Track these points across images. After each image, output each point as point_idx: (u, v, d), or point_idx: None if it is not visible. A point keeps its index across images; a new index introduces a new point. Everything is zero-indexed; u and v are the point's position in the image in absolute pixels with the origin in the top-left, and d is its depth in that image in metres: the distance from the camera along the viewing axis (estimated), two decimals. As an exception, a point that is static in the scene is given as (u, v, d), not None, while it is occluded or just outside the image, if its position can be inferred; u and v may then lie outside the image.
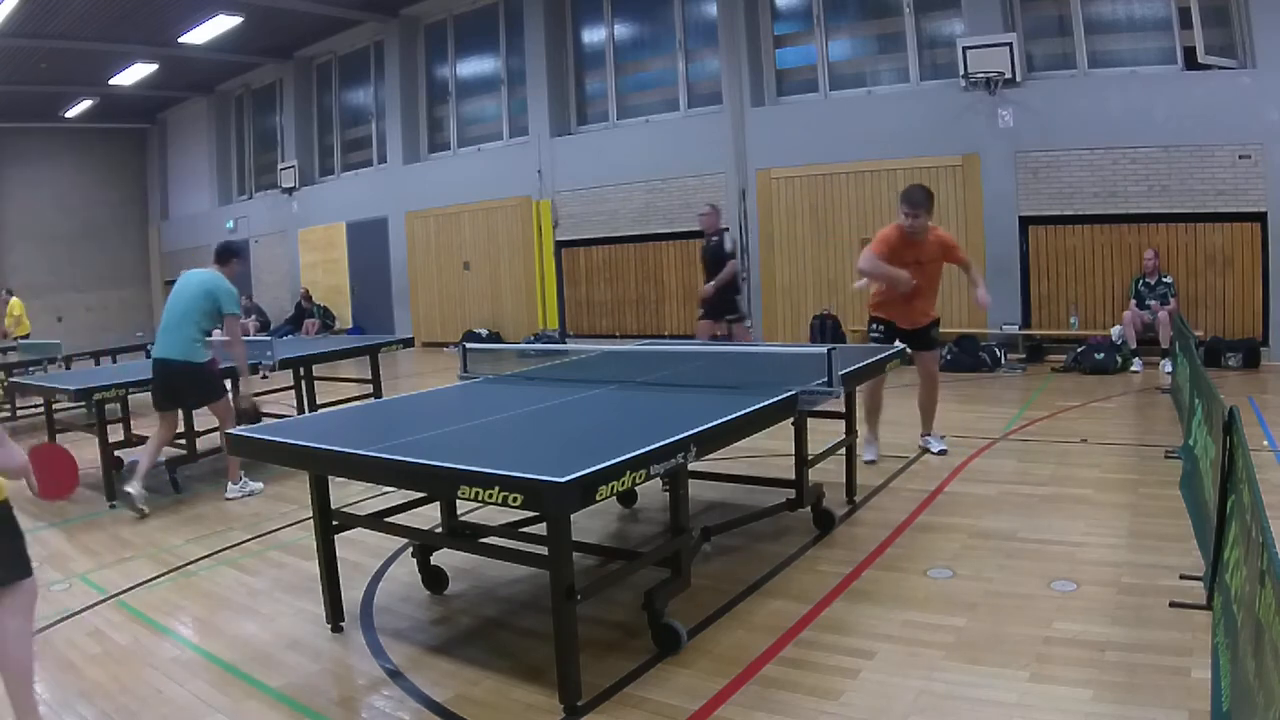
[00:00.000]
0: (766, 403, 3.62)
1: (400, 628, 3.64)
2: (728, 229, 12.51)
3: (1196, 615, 3.22)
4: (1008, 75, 10.21)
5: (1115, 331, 9.52)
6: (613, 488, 2.67)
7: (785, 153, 12.05)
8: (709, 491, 5.13)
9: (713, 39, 12.88)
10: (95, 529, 5.35)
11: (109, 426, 6.05)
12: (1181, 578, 3.54)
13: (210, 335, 5.76)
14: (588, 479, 2.57)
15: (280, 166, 18.60)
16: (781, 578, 3.95)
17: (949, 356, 9.68)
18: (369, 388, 7.80)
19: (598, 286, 14.17)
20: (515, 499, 2.57)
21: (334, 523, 3.65)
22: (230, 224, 19.88)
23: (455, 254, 15.90)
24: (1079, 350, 9.58)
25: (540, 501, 2.59)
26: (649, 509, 5.10)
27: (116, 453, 6.27)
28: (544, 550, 2.89)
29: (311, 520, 3.69)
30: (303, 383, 7.56)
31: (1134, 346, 9.40)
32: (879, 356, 4.95)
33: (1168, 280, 9.49)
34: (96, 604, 4.05)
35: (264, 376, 6.68)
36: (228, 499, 5.83)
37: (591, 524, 4.74)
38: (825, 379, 3.91)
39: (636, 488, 3.69)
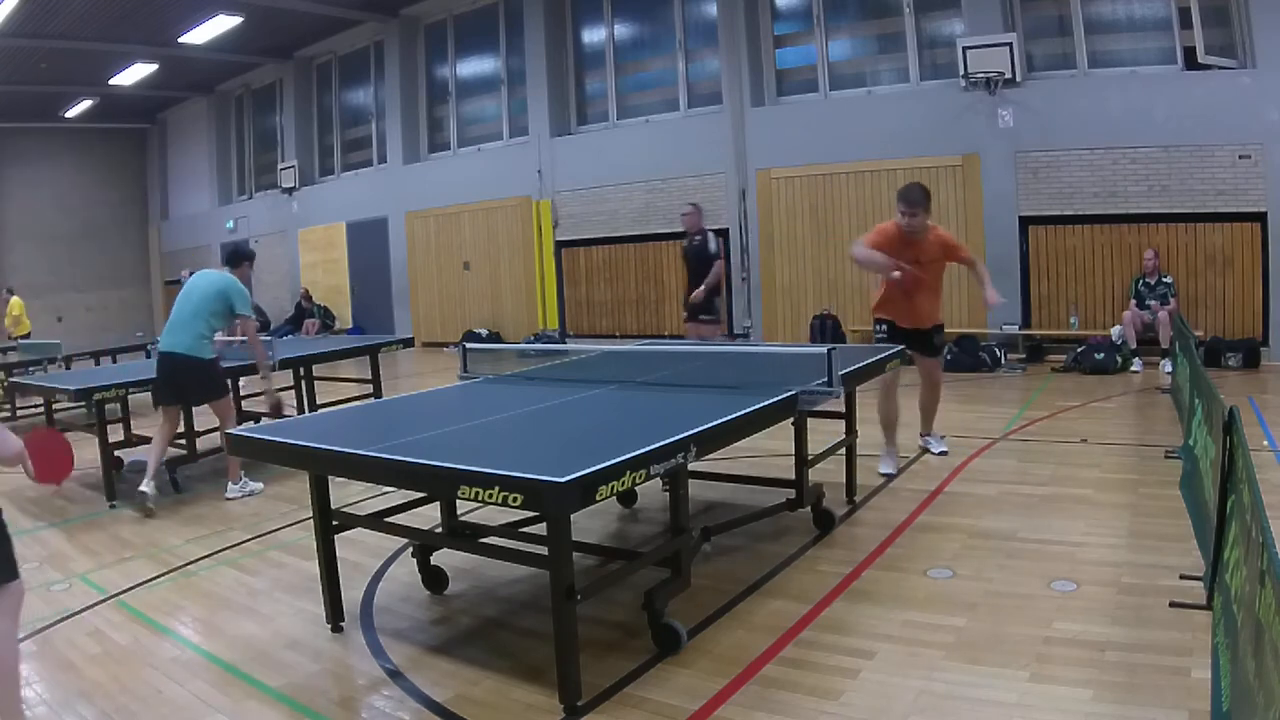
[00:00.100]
0: (766, 403, 3.62)
1: (400, 628, 3.64)
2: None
3: (1196, 615, 3.22)
4: (1008, 75, 10.22)
5: (1115, 331, 9.52)
6: (613, 488, 2.67)
7: (785, 153, 12.05)
8: (709, 491, 5.13)
9: (713, 39, 12.88)
10: (95, 529, 5.35)
11: (109, 426, 6.04)
12: (1181, 578, 3.54)
13: (216, 336, 5.81)
14: (588, 479, 2.57)
15: (280, 166, 18.60)
16: (781, 578, 3.95)
17: (949, 356, 9.67)
18: (369, 388, 7.80)
19: (598, 286, 14.17)
20: (515, 499, 2.57)
21: (334, 523, 3.65)
22: (230, 224, 19.89)
23: (455, 254, 15.90)
24: (1079, 350, 9.59)
25: (540, 501, 2.59)
26: (649, 509, 5.10)
27: (116, 453, 6.27)
28: (544, 550, 2.89)
29: (311, 520, 3.69)
30: (303, 383, 7.56)
31: (1134, 346, 9.40)
32: (878, 356, 4.95)
33: (1168, 280, 9.49)
34: (96, 604, 4.05)
35: (264, 377, 6.69)
36: (228, 499, 5.83)
37: (591, 524, 4.74)
38: (825, 379, 3.91)
39: (636, 488, 3.69)
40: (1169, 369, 8.50)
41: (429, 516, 4.17)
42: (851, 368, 4.41)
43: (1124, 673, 2.87)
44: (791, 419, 4.06)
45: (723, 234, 12.64)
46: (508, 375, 4.98)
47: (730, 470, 5.10)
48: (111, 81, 17.34)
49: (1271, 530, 2.19)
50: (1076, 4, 10.23)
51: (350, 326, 17.43)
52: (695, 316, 8.66)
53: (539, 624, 3.48)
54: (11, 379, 7.95)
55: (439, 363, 13.29)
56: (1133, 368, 9.29)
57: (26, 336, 13.66)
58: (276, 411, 6.16)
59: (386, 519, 3.84)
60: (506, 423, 3.73)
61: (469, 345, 5.16)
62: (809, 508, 4.49)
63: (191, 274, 6.22)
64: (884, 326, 5.78)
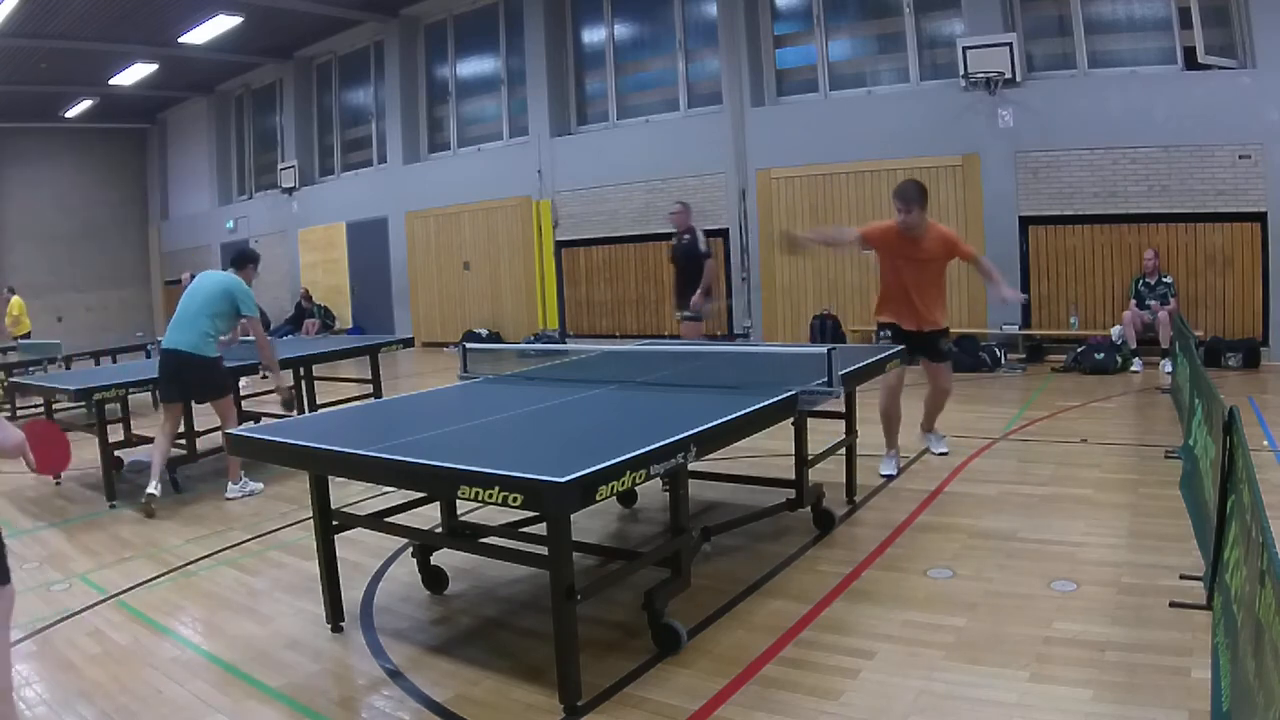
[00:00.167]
0: (766, 403, 3.61)
1: (400, 628, 3.64)
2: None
3: (1196, 615, 3.22)
4: (1008, 75, 10.21)
5: (1115, 331, 9.52)
6: (613, 488, 2.67)
7: (785, 153, 12.05)
8: (709, 491, 5.13)
9: (713, 39, 12.88)
10: (95, 529, 5.35)
11: (109, 426, 6.04)
12: (1181, 578, 3.54)
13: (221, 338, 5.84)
14: (588, 479, 2.57)
15: (280, 166, 18.60)
16: (781, 578, 3.95)
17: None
18: (369, 388, 7.80)
19: (598, 286, 14.17)
20: (515, 499, 2.57)
21: (334, 523, 3.65)
22: (230, 224, 19.89)
23: (455, 254, 15.90)
24: (1079, 350, 9.58)
25: (540, 501, 2.59)
26: (649, 509, 5.10)
27: (116, 453, 6.27)
28: (544, 550, 2.89)
29: (311, 520, 3.69)
30: (303, 383, 7.55)
31: (1134, 346, 9.40)
32: (878, 356, 4.95)
33: (1168, 280, 9.49)
34: (96, 604, 4.04)
35: (263, 376, 6.70)
36: (228, 499, 5.83)
37: (591, 524, 4.74)
38: (825, 379, 3.91)
39: (636, 488, 3.69)
40: (1169, 369, 8.50)
41: (429, 516, 4.17)
42: (851, 368, 4.40)
43: (1124, 673, 2.87)
44: (791, 419, 4.06)
45: (723, 234, 12.70)
46: (508, 375, 4.98)
47: (730, 470, 5.10)
48: (111, 81, 17.33)
49: (1271, 530, 2.19)
50: (1076, 4, 10.23)
51: (350, 326, 17.43)
52: (679, 309, 8.56)
53: (539, 624, 3.48)
54: (11, 379, 7.95)
55: (439, 363, 13.29)
56: (1133, 368, 9.29)
57: (27, 336, 13.66)
58: (290, 404, 6.34)
59: (386, 519, 3.84)
60: (506, 423, 3.73)
61: (469, 345, 5.16)
62: (809, 508, 4.49)
63: (193, 276, 6.25)
64: (887, 331, 5.58)
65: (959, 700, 2.80)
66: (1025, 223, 10.56)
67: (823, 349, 4.01)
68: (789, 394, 3.76)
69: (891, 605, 3.56)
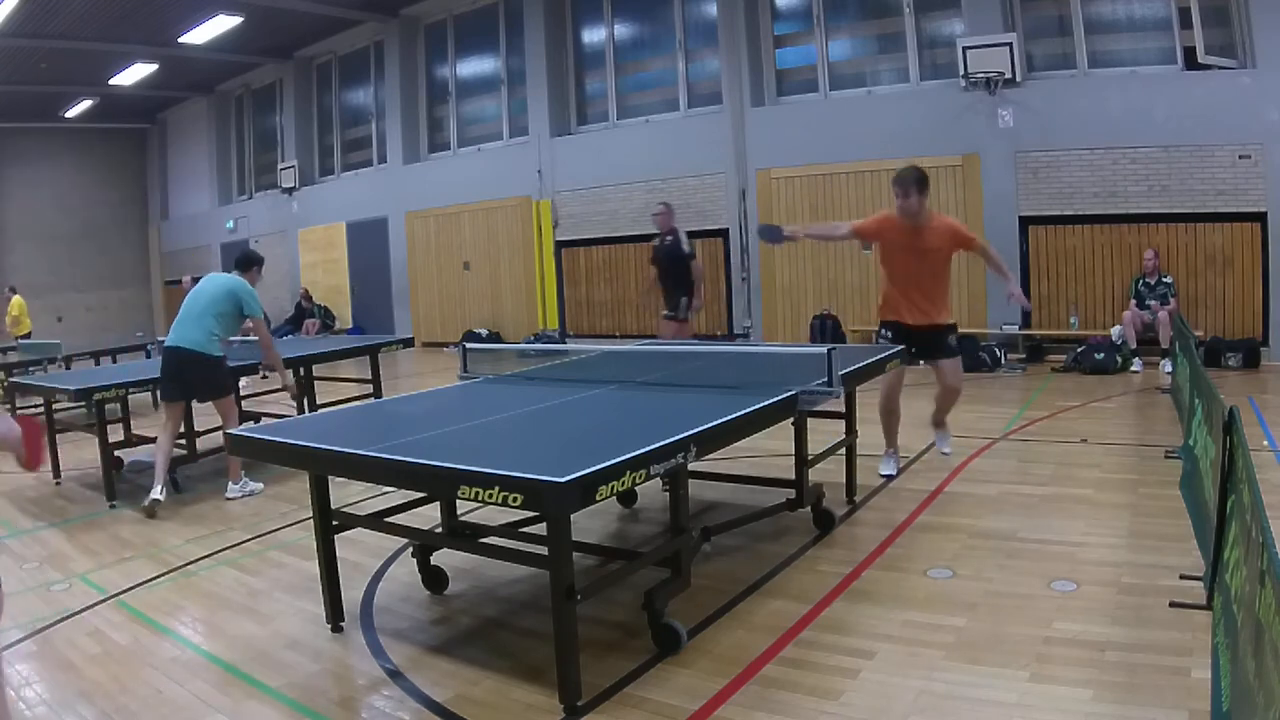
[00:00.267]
0: (766, 403, 3.61)
1: (400, 628, 3.64)
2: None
3: (1196, 615, 3.22)
4: (1008, 75, 10.22)
5: (1115, 331, 9.52)
6: (613, 488, 2.67)
7: (785, 153, 12.05)
8: (709, 491, 5.13)
9: (713, 39, 12.88)
10: (95, 529, 5.35)
11: (109, 426, 6.04)
12: (1181, 578, 3.54)
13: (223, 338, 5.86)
14: (588, 479, 2.57)
15: (280, 166, 18.60)
16: (781, 578, 3.95)
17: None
18: (369, 388, 7.80)
19: (598, 286, 14.17)
20: (515, 499, 2.57)
21: (334, 523, 3.65)
22: (230, 224, 19.90)
23: (455, 254, 15.90)
24: (1079, 350, 9.59)
25: (540, 501, 2.59)
26: (649, 509, 5.10)
27: (116, 453, 6.27)
28: (544, 550, 2.89)
29: (311, 520, 3.69)
30: (303, 383, 7.55)
31: (1134, 346, 9.40)
32: (878, 356, 4.94)
33: (1168, 280, 9.49)
34: (96, 604, 4.04)
35: (263, 376, 6.70)
36: (228, 499, 5.83)
37: (591, 524, 4.74)
38: (825, 379, 3.91)
39: (636, 488, 3.69)
40: (1169, 369, 8.50)
41: (429, 516, 4.17)
42: (851, 368, 4.40)
43: (1124, 673, 2.87)
44: (791, 419, 4.06)
45: (723, 234, 12.71)
46: (508, 375, 4.98)
47: (730, 470, 5.10)
48: (111, 81, 17.33)
49: (1271, 530, 2.19)
50: (1076, 4, 10.23)
51: (350, 326, 17.43)
52: (685, 315, 8.46)
53: (539, 624, 3.48)
54: (11, 379, 7.95)
55: (439, 363, 13.29)
56: (1133, 368, 9.29)
57: (27, 336, 13.66)
58: (300, 394, 6.50)
59: (386, 519, 3.84)
60: (506, 423, 3.73)
61: (469, 345, 5.16)
62: (809, 508, 4.49)
63: (193, 280, 6.27)
64: (888, 331, 5.44)
65: (959, 700, 2.80)
66: (1025, 223, 10.56)
67: (823, 349, 4.01)
68: (789, 394, 3.76)
69: (891, 605, 3.56)
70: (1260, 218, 9.26)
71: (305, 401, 7.49)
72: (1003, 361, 9.99)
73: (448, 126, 16.30)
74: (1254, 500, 2.50)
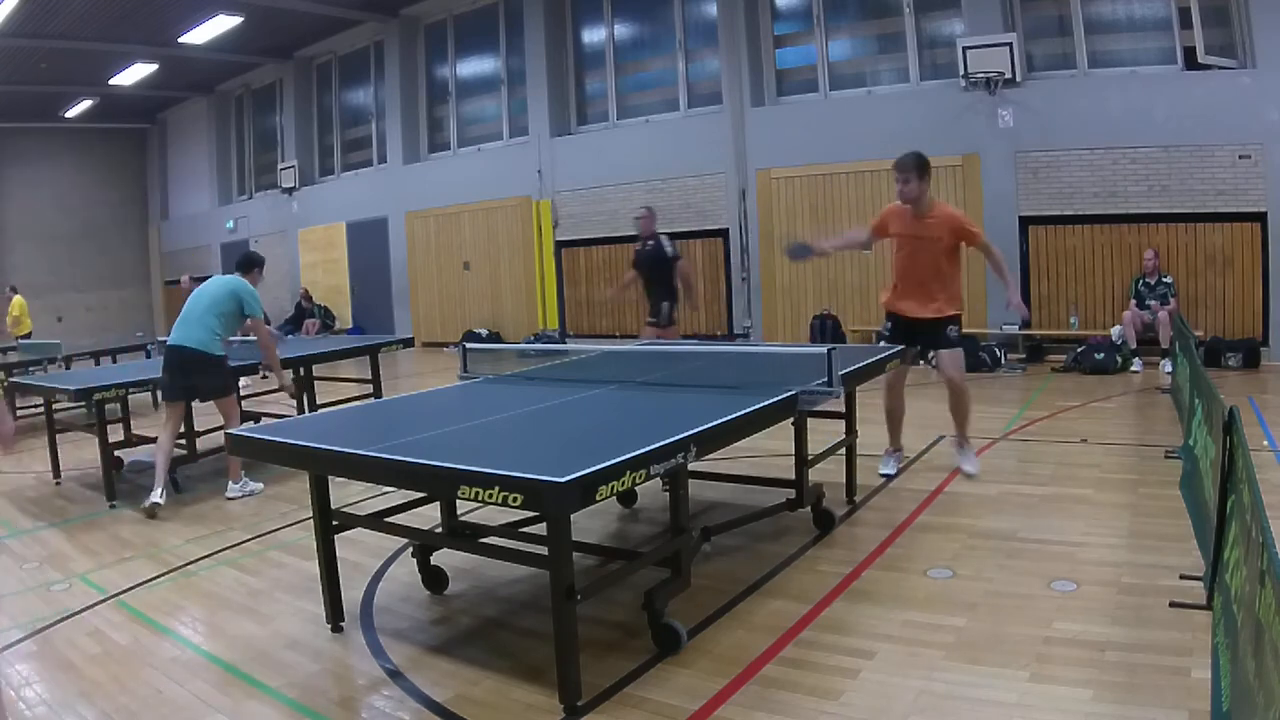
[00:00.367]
0: (766, 403, 3.61)
1: (400, 628, 3.64)
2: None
3: (1196, 615, 3.22)
4: (1008, 75, 10.22)
5: (1115, 331, 9.52)
6: (613, 488, 2.67)
7: (785, 153, 12.05)
8: (709, 491, 5.13)
9: (713, 39, 12.88)
10: (95, 529, 5.35)
11: (109, 426, 6.04)
12: (1181, 578, 3.54)
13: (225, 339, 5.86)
14: (588, 479, 2.57)
15: (280, 166, 18.60)
16: (781, 578, 3.95)
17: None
18: (369, 388, 7.80)
19: (598, 286, 14.16)
20: (515, 499, 2.57)
21: (334, 523, 3.65)
22: (230, 224, 19.90)
23: (455, 254, 15.91)
24: (1079, 350, 9.59)
25: (540, 501, 2.59)
26: (649, 509, 5.10)
27: (116, 453, 6.27)
28: (544, 550, 2.89)
29: (311, 520, 3.69)
30: (302, 383, 7.55)
31: (1134, 346, 9.40)
32: (878, 356, 4.95)
33: (1168, 280, 9.49)
34: (96, 604, 4.04)
35: (263, 376, 6.70)
36: (228, 498, 5.83)
37: (591, 524, 4.74)
38: (825, 379, 3.91)
39: (636, 488, 3.69)
40: (1169, 369, 8.50)
41: (429, 516, 4.17)
42: (851, 368, 4.40)
43: (1124, 673, 2.87)
44: (791, 419, 4.06)
45: (723, 234, 12.71)
46: (508, 375, 4.98)
47: (730, 470, 5.10)
48: (111, 81, 17.34)
49: (1271, 530, 2.19)
50: (1076, 4, 10.23)
51: (350, 326, 17.43)
52: (667, 321, 8.31)
53: (539, 624, 3.48)
54: (11, 379, 7.95)
55: (439, 363, 13.29)
56: (1133, 368, 9.29)
57: (27, 336, 13.66)
58: (299, 394, 6.47)
59: (386, 519, 3.84)
60: (506, 423, 3.73)
61: (469, 345, 5.16)
62: (809, 508, 4.49)
63: (192, 279, 6.28)
64: (889, 323, 5.41)
65: (959, 700, 2.80)
66: (1025, 223, 10.56)
67: (823, 349, 4.01)
68: (789, 394, 3.76)
69: (891, 605, 3.56)
70: (1260, 218, 9.27)
71: (305, 401, 7.50)
72: (1003, 361, 9.99)
73: (448, 126, 16.30)
74: (1254, 500, 2.50)
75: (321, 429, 3.92)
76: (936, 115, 10.83)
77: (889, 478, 5.47)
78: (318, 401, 7.49)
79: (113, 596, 4.13)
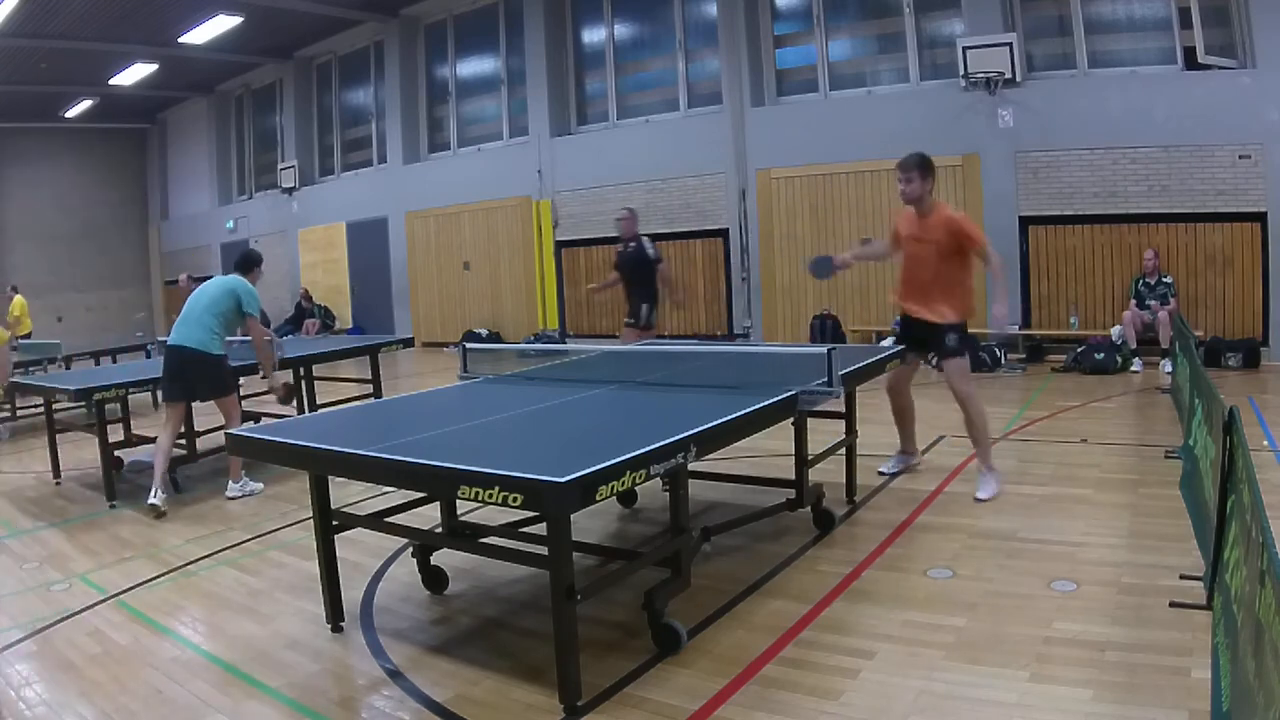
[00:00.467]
0: (766, 403, 3.61)
1: (400, 628, 3.64)
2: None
3: (1196, 615, 3.22)
4: (1008, 75, 10.21)
5: (1115, 331, 9.52)
6: (613, 488, 2.67)
7: (785, 153, 12.05)
8: (709, 491, 5.13)
9: (713, 39, 12.88)
10: (95, 529, 5.35)
11: (109, 426, 6.04)
12: (1181, 578, 3.54)
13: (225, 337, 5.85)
14: (588, 479, 2.57)
15: (280, 166, 18.60)
16: (781, 578, 3.95)
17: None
18: (369, 388, 7.80)
19: (591, 285, 14.14)
20: (515, 499, 2.57)
21: (334, 523, 3.65)
22: (230, 224, 19.89)
23: (455, 254, 15.90)
24: (1079, 350, 9.59)
25: (540, 501, 2.59)
26: (649, 509, 5.10)
27: (116, 453, 6.27)
28: (544, 550, 2.89)
29: (311, 520, 3.69)
30: (303, 383, 7.55)
31: (1134, 346, 9.40)
32: (878, 356, 4.95)
33: (1168, 280, 9.49)
34: (96, 604, 4.04)
35: (263, 376, 6.70)
36: (228, 498, 5.83)
37: (591, 524, 4.74)
38: (825, 379, 3.91)
39: (636, 488, 3.69)
40: (1169, 369, 8.50)
41: (429, 516, 4.17)
42: (851, 368, 4.40)
43: (1124, 673, 2.87)
44: (791, 419, 4.06)
45: (723, 234, 12.71)
46: (508, 375, 4.98)
47: (730, 470, 5.10)
48: (111, 81, 17.33)
49: (1271, 530, 2.19)
50: (1076, 4, 10.23)
51: (350, 326, 17.43)
52: (645, 324, 8.23)
53: (539, 624, 3.48)
54: (11, 379, 7.95)
55: (439, 363, 13.29)
56: (1133, 368, 9.29)
57: (27, 337, 13.65)
58: (287, 398, 6.28)
59: (386, 519, 3.84)
60: (506, 423, 3.73)
61: (469, 345, 5.16)
62: (809, 508, 4.49)
63: (190, 278, 6.27)
64: (898, 319, 5.37)
65: (959, 700, 2.80)
66: (1025, 223, 10.56)
67: (823, 349, 4.01)
68: (789, 394, 3.76)
69: (891, 605, 3.56)
70: (1260, 218, 9.26)
71: (305, 402, 7.50)
72: (1003, 361, 9.99)
73: (448, 126, 16.30)
74: (1254, 500, 2.50)
75: (321, 429, 3.92)
76: (936, 115, 10.83)
77: (889, 477, 5.47)
78: (318, 401, 7.49)
79: (113, 596, 4.13)
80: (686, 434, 3.03)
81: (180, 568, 4.54)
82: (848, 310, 11.66)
